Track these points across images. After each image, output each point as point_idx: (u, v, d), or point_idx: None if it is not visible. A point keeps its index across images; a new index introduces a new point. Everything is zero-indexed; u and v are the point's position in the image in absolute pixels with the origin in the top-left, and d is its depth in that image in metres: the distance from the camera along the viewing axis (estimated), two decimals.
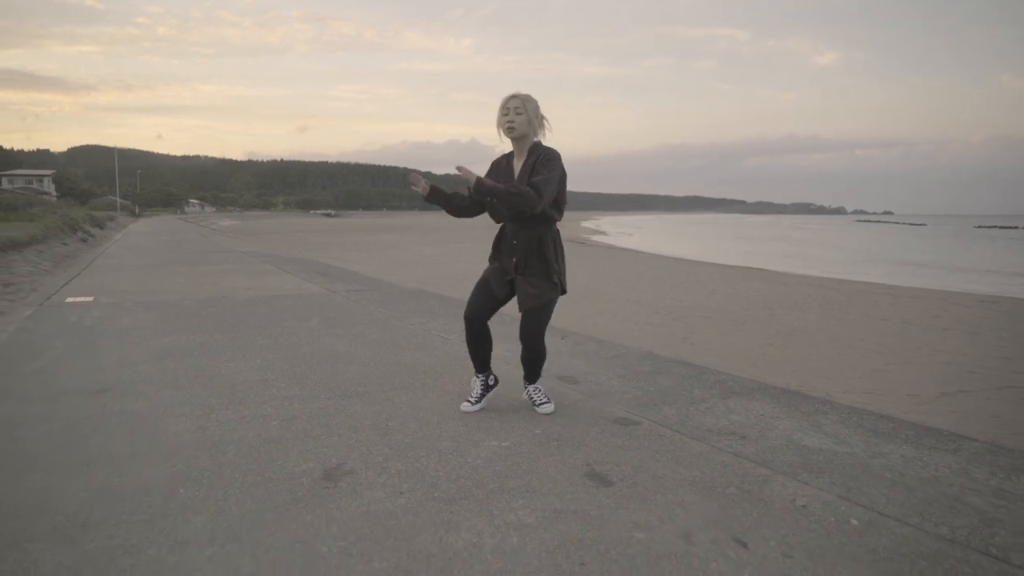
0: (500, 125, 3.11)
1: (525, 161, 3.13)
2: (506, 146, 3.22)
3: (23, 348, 4.85)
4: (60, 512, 2.21)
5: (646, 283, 17.62)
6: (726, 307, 12.15)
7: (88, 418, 3.19)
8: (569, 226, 68.73)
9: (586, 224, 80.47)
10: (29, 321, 6.02)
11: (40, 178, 70.79)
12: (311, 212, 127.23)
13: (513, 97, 3.08)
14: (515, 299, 3.26)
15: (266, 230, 47.81)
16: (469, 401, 3.38)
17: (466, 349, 3.37)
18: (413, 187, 3.12)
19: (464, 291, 3.53)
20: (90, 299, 7.45)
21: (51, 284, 9.17)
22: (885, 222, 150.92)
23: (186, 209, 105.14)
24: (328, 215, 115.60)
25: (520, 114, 3.08)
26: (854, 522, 2.22)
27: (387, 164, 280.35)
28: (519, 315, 3.23)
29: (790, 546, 2.05)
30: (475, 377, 3.41)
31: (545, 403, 3.37)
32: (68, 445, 2.83)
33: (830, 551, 2.02)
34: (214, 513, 2.22)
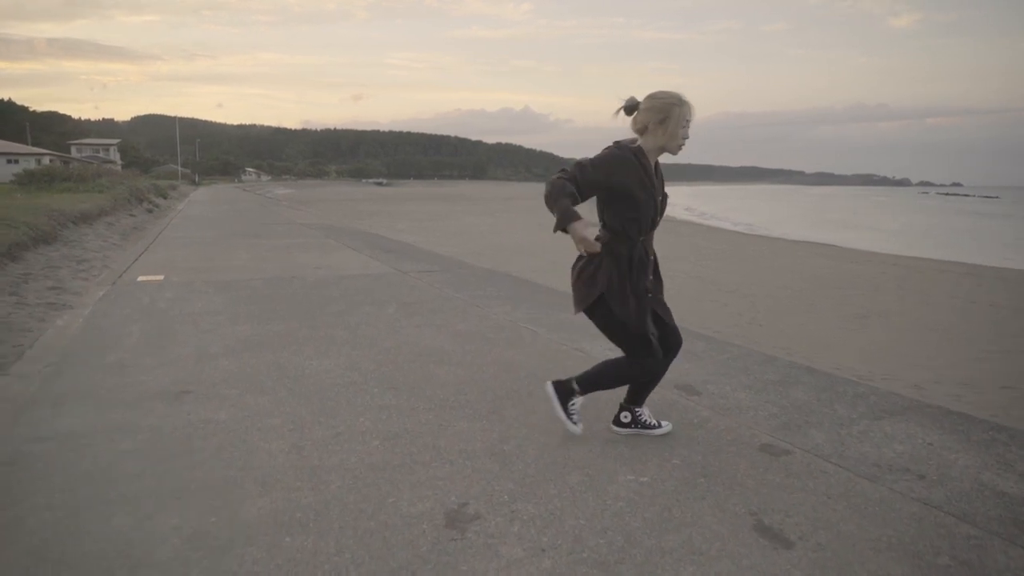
0: (675, 138, 2.57)
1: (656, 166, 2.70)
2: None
3: (100, 334, 4.66)
4: (151, 565, 1.90)
5: (707, 258, 16.92)
6: (793, 286, 11.48)
7: (173, 431, 2.90)
8: None
9: None
10: (103, 303, 5.87)
11: (107, 147, 73.20)
12: (363, 181, 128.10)
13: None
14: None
15: (320, 199, 48.22)
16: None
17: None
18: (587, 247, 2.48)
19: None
20: (160, 278, 7.32)
21: (121, 260, 9.14)
22: (953, 195, 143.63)
23: (243, 178, 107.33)
24: (380, 184, 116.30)
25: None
26: None
27: (439, 133, 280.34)
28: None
29: None
30: (577, 400, 2.89)
31: (658, 426, 2.95)
32: (153, 469, 2.54)
33: None
34: (328, 573, 1.87)
